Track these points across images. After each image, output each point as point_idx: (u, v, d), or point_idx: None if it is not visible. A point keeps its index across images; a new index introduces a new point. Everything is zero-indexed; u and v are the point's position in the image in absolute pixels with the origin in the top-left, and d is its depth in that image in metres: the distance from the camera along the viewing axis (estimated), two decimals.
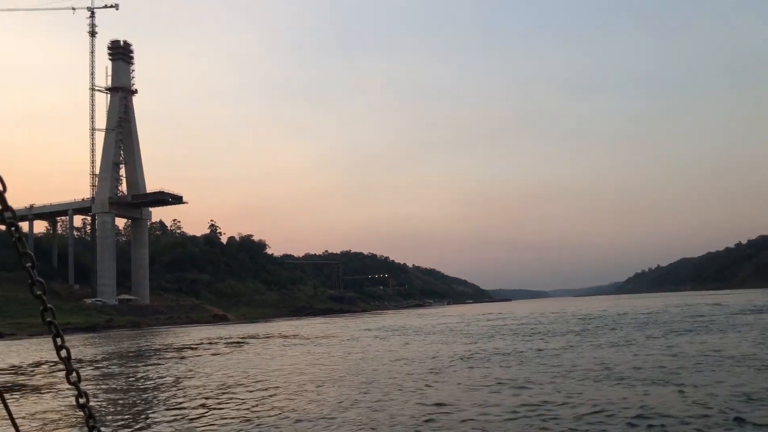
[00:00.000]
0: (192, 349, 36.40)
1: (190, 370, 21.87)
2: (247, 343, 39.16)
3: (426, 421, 11.11)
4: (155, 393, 16.27)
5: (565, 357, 21.13)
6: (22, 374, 24.47)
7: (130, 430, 11.11)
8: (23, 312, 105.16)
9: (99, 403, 15.06)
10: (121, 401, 15.13)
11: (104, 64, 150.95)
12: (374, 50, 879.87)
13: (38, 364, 29.60)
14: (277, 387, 16.15)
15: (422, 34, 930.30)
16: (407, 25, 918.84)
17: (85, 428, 1.98)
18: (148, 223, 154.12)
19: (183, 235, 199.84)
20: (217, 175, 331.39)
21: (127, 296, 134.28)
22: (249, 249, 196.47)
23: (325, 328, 57.75)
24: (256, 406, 13.24)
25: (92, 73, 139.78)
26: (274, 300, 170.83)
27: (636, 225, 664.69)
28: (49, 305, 1.85)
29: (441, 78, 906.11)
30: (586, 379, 15.46)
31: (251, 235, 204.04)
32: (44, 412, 14.12)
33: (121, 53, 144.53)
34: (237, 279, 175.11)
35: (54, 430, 11.84)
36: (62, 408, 14.39)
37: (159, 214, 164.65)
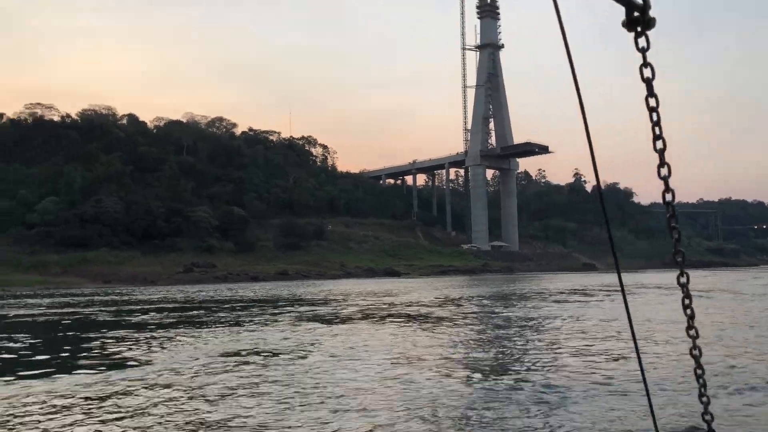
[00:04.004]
0: (566, 294, 37.50)
1: (568, 314, 22.71)
2: (619, 292, 38.58)
3: None
4: (533, 332, 17.39)
5: None
6: (433, 307, 28.50)
7: (506, 362, 12.21)
8: (413, 255, 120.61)
9: (478, 336, 16.79)
10: (501, 336, 16.57)
11: (473, 23, 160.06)
12: None
13: (447, 299, 34.17)
14: (667, 339, 15.74)
15: None
16: None
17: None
18: (515, 174, 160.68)
19: (548, 184, 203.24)
20: (580, 123, 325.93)
21: (498, 243, 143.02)
22: (615, 197, 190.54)
23: (708, 281, 53.38)
24: (624, 355, 12.95)
25: (463, 33, 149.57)
26: (643, 250, 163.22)
27: None
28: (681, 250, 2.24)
29: None
30: None
31: (617, 183, 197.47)
32: (455, 337, 16.39)
33: (488, 10, 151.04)
34: (603, 228, 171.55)
35: (470, 350, 13.73)
36: (470, 333, 16.62)
37: (524, 164, 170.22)
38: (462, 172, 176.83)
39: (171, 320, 23.77)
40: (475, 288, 49.85)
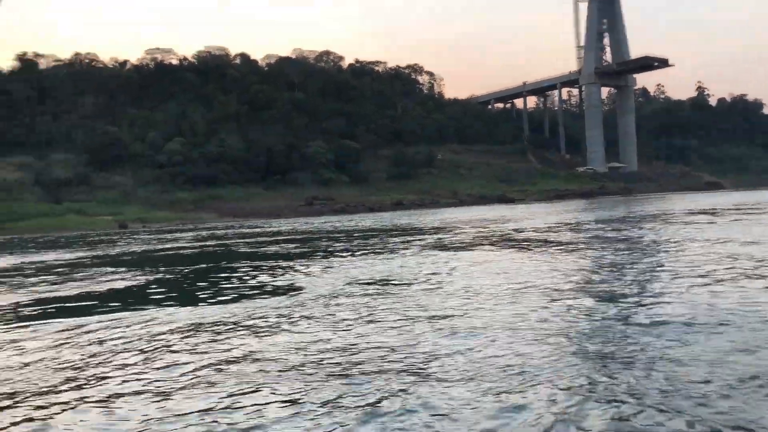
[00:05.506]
0: (694, 215, 35.92)
1: (707, 236, 21.92)
2: (751, 212, 36.43)
3: None
4: (655, 255, 17.02)
5: None
6: (556, 232, 28.49)
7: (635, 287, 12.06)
8: (526, 180, 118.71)
9: (613, 262, 16.59)
10: (626, 261, 16.28)
11: None
12: None
13: (568, 224, 33.96)
14: None
15: None
16: None
17: None
18: (633, 90, 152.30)
19: (667, 100, 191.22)
20: (704, 34, 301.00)
21: (616, 164, 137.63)
22: (742, 110, 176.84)
23: None
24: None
25: None
26: None
27: None
28: None
29: None
30: None
31: (745, 95, 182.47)
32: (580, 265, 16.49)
33: None
34: (729, 143, 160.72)
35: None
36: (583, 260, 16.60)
37: (641, 80, 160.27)
38: (575, 92, 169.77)
39: (304, 250, 25.33)
40: (596, 212, 48.79)
